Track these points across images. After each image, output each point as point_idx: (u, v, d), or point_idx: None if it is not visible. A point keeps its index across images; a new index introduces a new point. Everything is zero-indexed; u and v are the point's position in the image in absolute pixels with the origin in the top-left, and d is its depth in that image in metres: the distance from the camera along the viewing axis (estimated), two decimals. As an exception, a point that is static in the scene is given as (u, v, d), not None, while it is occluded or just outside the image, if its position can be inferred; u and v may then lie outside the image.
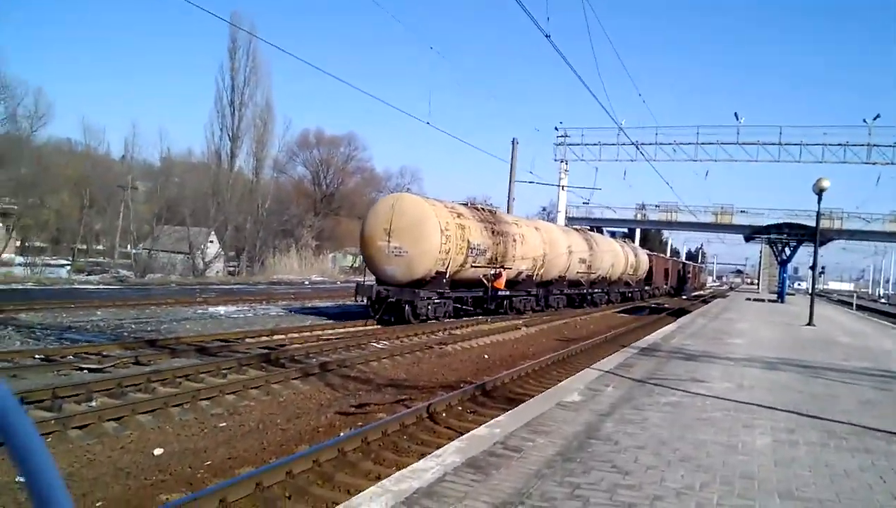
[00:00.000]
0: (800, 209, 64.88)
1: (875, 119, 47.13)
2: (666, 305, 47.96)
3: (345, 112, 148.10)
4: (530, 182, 45.98)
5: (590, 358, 16.49)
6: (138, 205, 62.56)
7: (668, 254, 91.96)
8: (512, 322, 24.44)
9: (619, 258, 42.53)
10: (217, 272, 53.31)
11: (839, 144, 47.71)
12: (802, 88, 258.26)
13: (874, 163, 47.67)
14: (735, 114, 49.35)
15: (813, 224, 48.39)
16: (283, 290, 37.68)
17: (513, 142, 41.92)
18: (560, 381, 10.98)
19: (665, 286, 59.85)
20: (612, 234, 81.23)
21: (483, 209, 25.26)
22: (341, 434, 9.01)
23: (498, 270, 23.74)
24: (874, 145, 47.31)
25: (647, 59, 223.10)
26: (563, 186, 49.92)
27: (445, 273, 21.82)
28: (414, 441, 8.89)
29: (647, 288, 51.52)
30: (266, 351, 14.95)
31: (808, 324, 24.29)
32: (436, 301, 21.94)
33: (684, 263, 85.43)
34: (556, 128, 53.84)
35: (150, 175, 72.88)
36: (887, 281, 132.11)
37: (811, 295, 25.63)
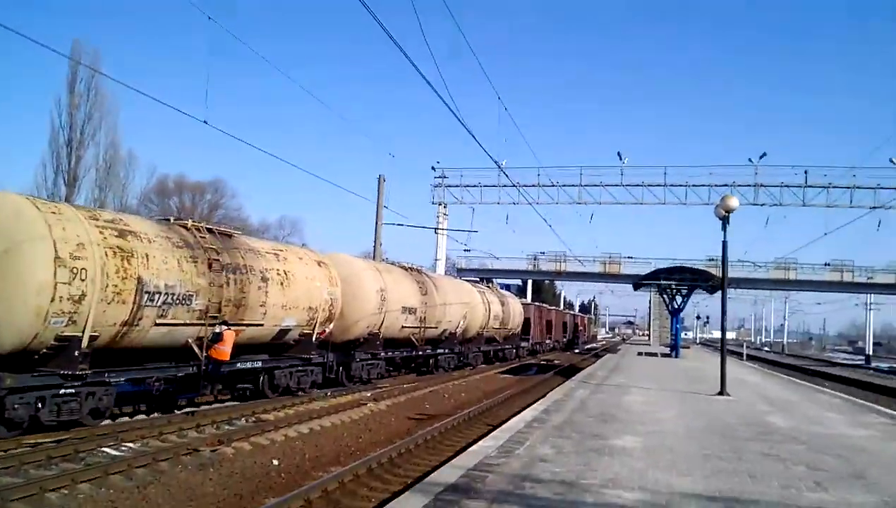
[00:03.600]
0: (686, 258, 60.37)
1: (761, 157, 43.66)
2: (556, 361, 43.03)
3: (214, 159, 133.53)
4: (399, 224, 38.58)
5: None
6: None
7: (562, 307, 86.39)
8: (356, 395, 18.80)
9: (474, 308, 31.61)
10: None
11: (725, 185, 43.32)
12: (686, 126, 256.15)
13: (762, 205, 44.06)
14: (618, 153, 44.12)
15: (703, 270, 44.60)
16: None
17: (379, 179, 34.90)
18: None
19: (549, 341, 52.72)
20: (507, 287, 75.35)
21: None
22: None
23: (221, 330, 13.67)
24: (761, 185, 43.58)
25: (525, 95, 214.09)
26: (437, 229, 42.67)
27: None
28: None
29: (523, 344, 43.28)
30: None
31: (721, 393, 17.45)
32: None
33: (574, 315, 79.63)
34: (433, 168, 47.24)
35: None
36: (768, 330, 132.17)
37: (721, 352, 18.82)
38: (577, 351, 61.71)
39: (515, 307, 39.96)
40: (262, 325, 15.27)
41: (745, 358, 49.58)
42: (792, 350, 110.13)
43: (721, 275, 18.94)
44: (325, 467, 11.31)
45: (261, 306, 14.98)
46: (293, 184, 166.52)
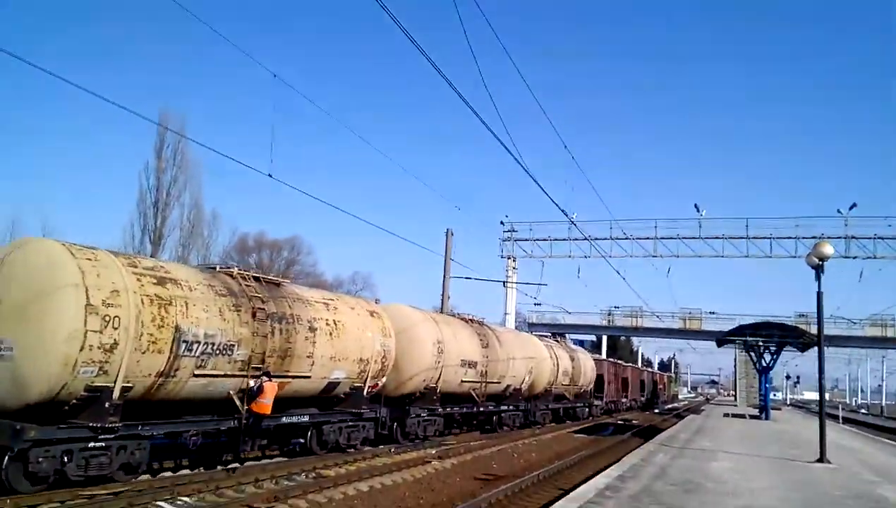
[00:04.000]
0: (772, 314, 56.79)
1: (851, 208, 40.64)
2: (634, 421, 40.26)
3: (291, 217, 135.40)
4: (467, 277, 37.49)
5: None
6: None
7: (641, 364, 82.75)
8: (421, 452, 17.86)
9: (541, 363, 29.63)
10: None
11: (813, 237, 40.07)
12: (771, 177, 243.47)
13: (854, 257, 41.01)
14: (695, 205, 41.95)
15: (794, 326, 41.61)
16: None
17: (447, 233, 34.37)
18: None
19: (625, 399, 49.88)
20: (581, 343, 72.82)
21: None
22: None
23: (260, 382, 12.74)
24: (852, 237, 40.67)
25: (597, 146, 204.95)
26: (505, 282, 41.47)
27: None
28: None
29: (596, 402, 40.97)
30: None
31: (821, 460, 15.40)
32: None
33: (652, 372, 75.78)
34: (501, 222, 46.41)
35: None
36: (863, 391, 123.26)
37: (820, 413, 16.75)
38: (656, 410, 58.39)
39: (587, 363, 37.95)
40: (309, 377, 14.33)
41: (840, 420, 45.67)
42: (891, 412, 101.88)
43: (817, 332, 16.95)
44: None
45: (308, 357, 14.09)
46: (365, 240, 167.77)
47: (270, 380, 12.62)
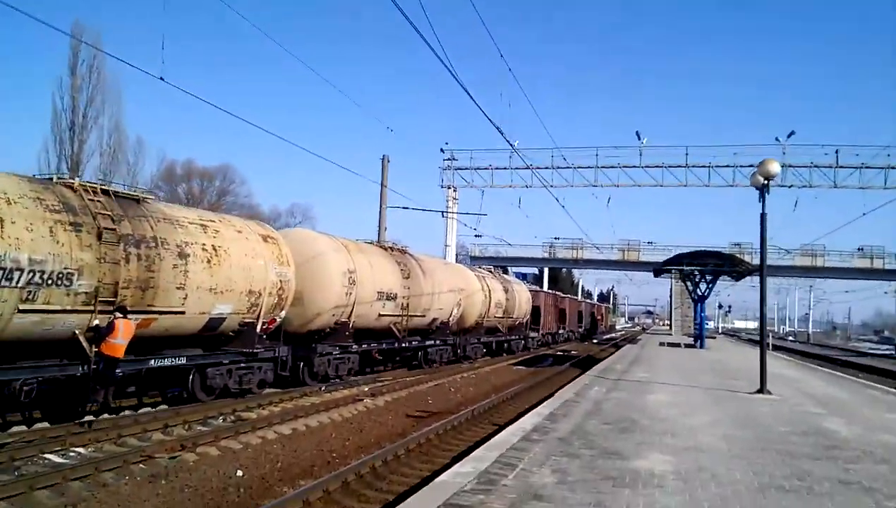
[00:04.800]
0: (708, 245, 56.71)
1: (789, 136, 39.88)
2: (573, 352, 39.97)
3: (224, 143, 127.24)
4: (405, 207, 35.33)
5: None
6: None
7: (581, 296, 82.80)
8: (353, 389, 17.22)
9: (472, 295, 27.67)
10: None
11: (751, 165, 38.97)
12: (710, 105, 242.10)
13: (790, 186, 40.47)
14: (637, 133, 40.70)
15: (731, 255, 41.18)
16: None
17: (382, 159, 32.28)
18: None
19: (562, 331, 49.20)
20: (523, 276, 72.01)
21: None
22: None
23: (111, 318, 10.43)
24: (789, 166, 39.80)
25: (539, 69, 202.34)
26: (444, 213, 39.58)
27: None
28: None
29: (532, 335, 39.56)
30: None
31: (761, 391, 14.29)
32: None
33: (590, 303, 75.86)
34: (441, 150, 44.21)
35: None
36: (791, 319, 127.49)
37: (761, 343, 15.58)
38: (594, 341, 58.36)
39: (522, 294, 36.27)
40: (182, 313, 11.85)
41: (770, 348, 46.15)
42: (816, 339, 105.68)
43: (760, 256, 15.62)
44: (294, 480, 9.56)
45: (179, 289, 11.64)
46: (303, 169, 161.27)
47: (125, 317, 10.33)
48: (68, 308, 9.63)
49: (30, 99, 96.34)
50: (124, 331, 10.18)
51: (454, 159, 44.18)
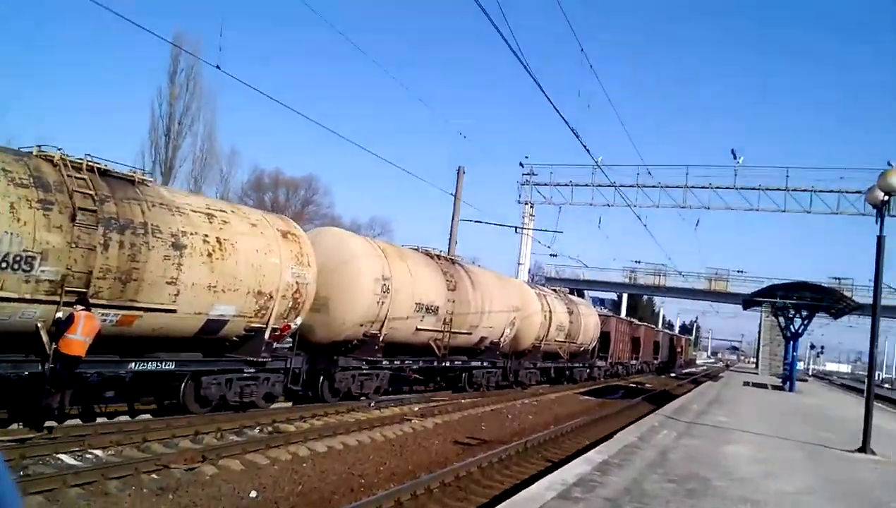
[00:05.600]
0: (804, 278, 52.15)
1: (910, 157, 35.35)
2: (647, 385, 37.30)
3: (311, 155, 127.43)
4: (477, 221, 33.65)
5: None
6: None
7: (662, 326, 78.60)
8: (404, 408, 16.38)
9: (529, 316, 24.97)
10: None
11: (858, 191, 35.17)
12: (815, 124, 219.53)
13: (901, 216, 36.12)
14: (732, 151, 37.33)
15: (831, 289, 37.18)
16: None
17: (458, 170, 30.88)
18: None
19: (635, 362, 45.72)
20: (601, 302, 68.86)
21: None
22: None
23: (71, 311, 8.91)
24: (901, 194, 35.25)
25: (628, 84, 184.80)
26: (517, 228, 37.58)
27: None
28: None
29: (599, 363, 36.52)
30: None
31: (863, 450, 11.69)
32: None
33: (669, 334, 71.41)
34: (521, 164, 42.32)
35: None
36: (890, 366, 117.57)
37: (868, 390, 12.79)
38: (672, 375, 54.63)
39: (589, 318, 33.13)
40: (173, 311, 10.29)
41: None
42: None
43: (874, 286, 12.96)
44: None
45: (169, 283, 10.10)
46: (384, 183, 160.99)
47: (88, 310, 8.87)
48: (27, 296, 8.28)
49: (130, 104, 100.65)
50: (85, 327, 8.72)
51: (534, 174, 42.34)
